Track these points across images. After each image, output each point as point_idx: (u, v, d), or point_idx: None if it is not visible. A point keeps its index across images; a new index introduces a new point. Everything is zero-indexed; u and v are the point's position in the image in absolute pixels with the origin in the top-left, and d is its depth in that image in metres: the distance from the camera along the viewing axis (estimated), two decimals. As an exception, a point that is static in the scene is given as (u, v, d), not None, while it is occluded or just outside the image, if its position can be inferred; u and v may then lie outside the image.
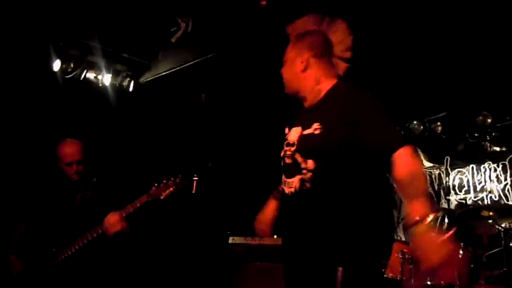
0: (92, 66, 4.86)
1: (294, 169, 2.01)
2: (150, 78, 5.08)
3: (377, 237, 1.96)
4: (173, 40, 4.34)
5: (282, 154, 2.10)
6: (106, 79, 4.93)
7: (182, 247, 4.81)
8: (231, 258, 4.65)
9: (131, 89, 5.10)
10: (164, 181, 2.98)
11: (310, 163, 1.97)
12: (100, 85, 4.93)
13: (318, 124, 1.99)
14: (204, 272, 4.63)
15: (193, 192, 2.55)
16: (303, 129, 2.05)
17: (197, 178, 2.53)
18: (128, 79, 5.11)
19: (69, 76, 4.70)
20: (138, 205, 2.99)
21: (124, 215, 3.01)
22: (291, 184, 2.01)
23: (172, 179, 2.98)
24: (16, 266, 3.22)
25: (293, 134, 2.08)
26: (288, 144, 2.07)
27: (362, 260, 1.90)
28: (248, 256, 4.64)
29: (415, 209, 1.85)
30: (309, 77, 2.13)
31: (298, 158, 2.00)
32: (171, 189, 2.96)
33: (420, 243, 1.82)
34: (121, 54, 4.92)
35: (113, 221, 2.99)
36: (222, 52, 4.31)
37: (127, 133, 5.00)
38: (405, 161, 1.91)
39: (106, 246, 3.10)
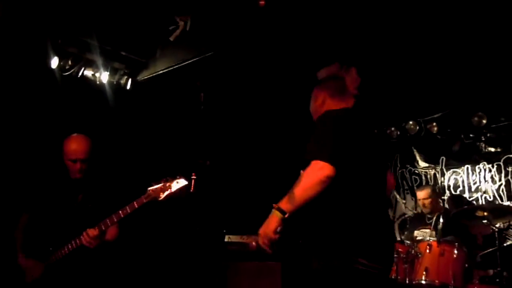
0: (90, 64, 4.84)
1: None
2: (147, 77, 5.07)
3: (349, 235, 2.19)
4: (171, 38, 4.33)
5: None
6: (103, 77, 4.92)
7: (178, 245, 4.82)
8: (227, 256, 4.67)
9: (128, 87, 5.09)
10: (163, 182, 2.95)
11: None
12: (98, 83, 4.91)
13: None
14: (200, 270, 4.65)
15: (191, 191, 2.55)
16: None
17: (195, 177, 2.54)
18: (126, 77, 5.10)
19: (67, 73, 4.68)
20: (136, 206, 2.95)
21: (105, 227, 3.00)
22: None
23: (170, 179, 2.95)
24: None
25: None
26: None
27: (334, 255, 2.17)
28: (244, 255, 4.67)
29: (283, 199, 2.19)
30: (323, 110, 2.54)
31: None
32: (171, 190, 2.92)
33: (265, 221, 2.20)
34: (119, 52, 4.91)
35: (89, 238, 2.98)
36: (221, 51, 4.31)
37: (125, 132, 4.99)
38: (307, 170, 2.17)
39: (101, 247, 3.09)
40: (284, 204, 2.17)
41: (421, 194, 5.08)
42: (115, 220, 2.99)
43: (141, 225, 4.06)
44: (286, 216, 2.15)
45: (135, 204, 2.95)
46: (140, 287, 4.68)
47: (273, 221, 2.18)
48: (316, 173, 2.13)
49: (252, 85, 5.00)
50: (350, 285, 2.15)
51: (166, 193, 2.92)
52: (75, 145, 3.18)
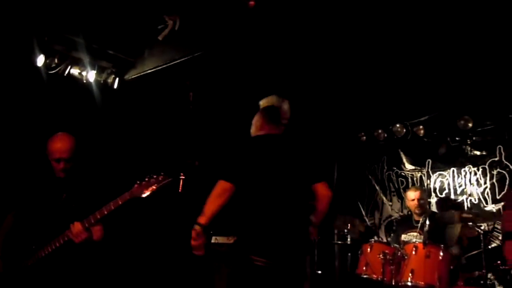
0: (76, 62, 4.79)
1: None
2: (135, 76, 5.03)
3: (246, 237, 2.79)
4: (160, 38, 4.30)
5: None
6: (90, 75, 4.87)
7: (165, 246, 4.78)
8: (214, 257, 4.64)
9: (115, 86, 5.04)
10: (147, 179, 2.95)
11: None
12: (85, 81, 4.86)
13: None
14: (186, 271, 4.62)
15: (180, 191, 2.53)
16: None
17: (183, 177, 2.52)
18: (113, 76, 5.06)
19: (53, 71, 4.63)
20: (120, 202, 2.93)
21: (88, 224, 2.97)
22: None
23: (154, 177, 2.95)
24: None
25: None
26: None
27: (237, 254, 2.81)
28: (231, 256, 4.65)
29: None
30: (256, 134, 3.15)
31: None
32: (153, 187, 2.94)
33: None
34: (106, 51, 4.87)
35: (75, 231, 2.95)
36: (210, 51, 4.29)
37: (112, 131, 4.94)
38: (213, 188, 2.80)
39: (84, 246, 3.05)
40: (199, 218, 2.74)
41: (415, 194, 5.00)
42: (99, 217, 2.96)
43: (128, 226, 4.02)
44: (203, 226, 2.71)
45: (119, 201, 2.93)
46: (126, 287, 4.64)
47: (192, 232, 2.73)
48: (216, 189, 2.76)
49: (242, 84, 4.98)
50: (246, 277, 2.70)
51: (150, 190, 2.93)
52: (59, 144, 3.13)
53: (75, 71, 4.82)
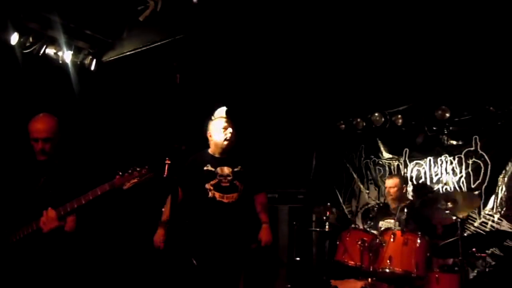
0: (52, 42, 4.61)
1: None
2: (113, 58, 4.89)
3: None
4: (140, 19, 4.17)
5: None
6: (66, 56, 4.70)
7: (135, 237, 4.71)
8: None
9: (93, 68, 4.89)
10: (130, 171, 2.87)
11: None
12: (61, 62, 4.69)
13: None
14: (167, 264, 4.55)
15: (165, 176, 2.47)
16: None
17: (169, 162, 2.46)
18: (90, 57, 4.90)
19: (28, 50, 4.44)
20: (99, 193, 2.84)
21: (64, 212, 2.88)
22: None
23: (138, 169, 2.87)
24: None
25: None
26: None
27: None
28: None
29: None
30: None
31: None
32: (135, 180, 2.86)
33: None
34: (83, 31, 4.70)
35: (47, 218, 2.85)
36: (191, 34, 4.20)
37: (92, 115, 4.80)
38: None
39: (54, 236, 2.96)
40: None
41: (389, 182, 5.14)
42: (75, 206, 2.86)
43: (105, 215, 3.92)
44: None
45: (98, 191, 2.84)
46: (100, 280, 4.54)
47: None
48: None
49: (230, 67, 4.91)
50: None
51: (131, 182, 2.86)
52: (38, 124, 3.05)
53: (50, 51, 4.63)
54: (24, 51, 4.43)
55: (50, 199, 2.98)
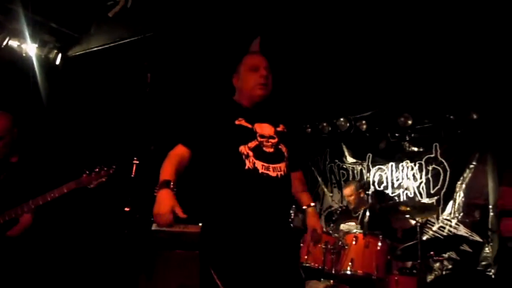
0: (15, 34, 4.48)
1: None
2: (80, 52, 4.78)
3: None
4: (110, 14, 4.10)
5: None
6: (30, 49, 4.57)
7: (105, 232, 4.63)
8: (154, 244, 4.56)
9: (58, 62, 4.77)
10: (97, 170, 2.89)
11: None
12: (24, 54, 4.56)
13: None
14: (126, 259, 4.50)
15: (132, 176, 2.45)
16: None
17: (137, 162, 2.44)
18: (56, 51, 4.78)
19: (-11, 42, 4.30)
20: (65, 190, 2.86)
21: (27, 209, 2.84)
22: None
23: (105, 168, 2.89)
24: None
25: None
26: None
27: None
28: (171, 243, 4.58)
29: None
30: None
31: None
32: (103, 179, 2.89)
33: None
34: (49, 24, 4.58)
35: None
36: (161, 32, 4.16)
37: (57, 111, 4.67)
38: None
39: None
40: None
41: (346, 191, 5.32)
42: (41, 202, 2.86)
43: (67, 211, 3.84)
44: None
45: (64, 189, 2.85)
46: (64, 276, 4.44)
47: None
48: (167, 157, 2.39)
49: (200, 66, 4.88)
50: None
51: (98, 181, 2.88)
52: None
53: (13, 43, 4.50)
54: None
55: (8, 195, 2.92)
